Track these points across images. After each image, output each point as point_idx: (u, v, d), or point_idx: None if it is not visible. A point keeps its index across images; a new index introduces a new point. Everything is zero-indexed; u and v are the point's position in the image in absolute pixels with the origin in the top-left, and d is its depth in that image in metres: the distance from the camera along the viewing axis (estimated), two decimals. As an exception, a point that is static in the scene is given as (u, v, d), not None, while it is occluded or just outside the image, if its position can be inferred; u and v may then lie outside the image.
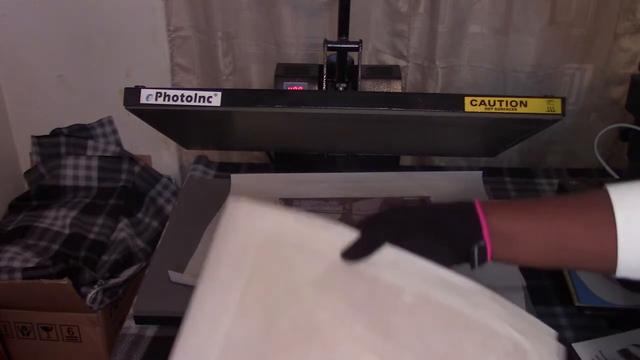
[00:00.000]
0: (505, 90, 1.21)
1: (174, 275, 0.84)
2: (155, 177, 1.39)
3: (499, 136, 0.94)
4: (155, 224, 1.34)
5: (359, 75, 1.03)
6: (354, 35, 1.03)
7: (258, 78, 1.26)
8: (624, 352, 0.78)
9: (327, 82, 1.04)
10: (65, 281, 1.10)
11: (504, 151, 1.03)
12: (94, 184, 1.35)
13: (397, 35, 1.19)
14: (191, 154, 1.31)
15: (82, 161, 1.34)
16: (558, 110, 0.77)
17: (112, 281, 1.15)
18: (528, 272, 0.89)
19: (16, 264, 1.12)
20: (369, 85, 1.05)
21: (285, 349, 0.50)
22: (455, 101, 0.77)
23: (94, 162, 1.34)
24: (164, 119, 0.87)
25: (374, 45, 1.21)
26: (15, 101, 1.36)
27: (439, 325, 0.52)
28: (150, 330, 0.82)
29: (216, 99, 0.78)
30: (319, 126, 0.91)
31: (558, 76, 1.20)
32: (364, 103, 0.78)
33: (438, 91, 1.21)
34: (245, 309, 0.51)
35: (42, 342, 1.21)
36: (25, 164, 1.42)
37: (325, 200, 1.03)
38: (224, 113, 0.80)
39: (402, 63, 1.21)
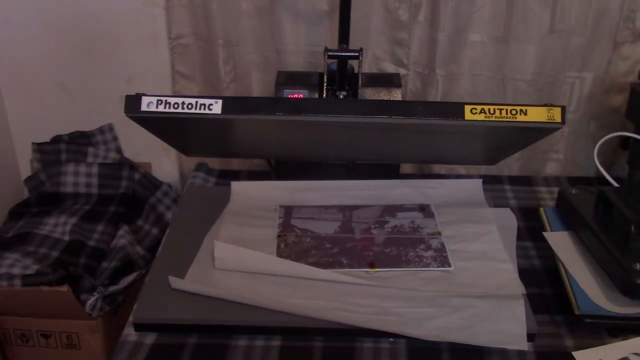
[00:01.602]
0: (505, 98, 1.21)
1: (174, 282, 0.84)
2: (156, 184, 1.39)
3: (499, 144, 0.94)
4: (155, 231, 1.33)
5: (359, 83, 1.03)
6: (354, 43, 1.03)
7: (259, 86, 1.26)
8: (624, 361, 0.78)
9: (327, 90, 1.04)
10: (64, 288, 1.09)
11: (503, 159, 1.03)
12: (94, 191, 1.35)
13: (397, 44, 1.20)
14: (191, 161, 1.31)
15: (83, 168, 1.34)
16: (558, 118, 0.78)
17: (112, 288, 1.15)
18: (528, 280, 0.90)
19: (16, 270, 1.12)
20: (369, 93, 1.05)
21: None
22: (455, 109, 0.77)
23: (94, 169, 1.34)
24: (164, 127, 0.87)
25: (374, 53, 1.21)
26: (16, 108, 1.36)
27: None
28: (150, 338, 0.82)
29: (217, 107, 0.78)
30: (319, 134, 0.91)
31: (558, 84, 1.20)
32: (364, 111, 0.78)
33: (438, 99, 1.22)
34: None
35: (41, 349, 1.21)
36: (25, 171, 1.42)
37: (325, 207, 1.03)
38: (225, 121, 0.80)
39: (402, 71, 1.21)
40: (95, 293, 1.12)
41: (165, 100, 0.78)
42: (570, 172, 1.28)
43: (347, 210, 1.02)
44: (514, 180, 1.21)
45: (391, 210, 1.02)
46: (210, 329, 0.82)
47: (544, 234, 0.96)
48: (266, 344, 0.81)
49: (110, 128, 1.37)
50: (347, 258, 0.91)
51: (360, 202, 1.04)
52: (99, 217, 1.28)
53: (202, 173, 1.23)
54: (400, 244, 0.94)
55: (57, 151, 1.37)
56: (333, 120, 0.78)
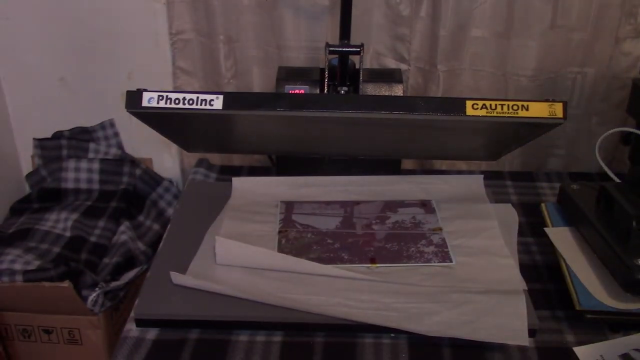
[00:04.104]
0: (507, 94, 1.21)
1: (175, 277, 0.84)
2: (157, 180, 1.39)
3: (500, 140, 0.94)
4: (156, 226, 1.34)
5: (361, 78, 1.03)
6: (355, 38, 1.03)
7: (259, 81, 1.26)
8: (625, 357, 0.78)
9: (328, 85, 1.04)
10: (66, 284, 1.10)
11: (505, 155, 1.03)
12: (96, 186, 1.35)
13: (398, 39, 1.20)
14: (192, 157, 1.31)
15: (84, 164, 1.34)
16: (559, 114, 0.77)
17: (113, 284, 1.15)
18: (529, 275, 0.90)
19: (17, 266, 1.12)
20: (370, 89, 1.05)
21: None
22: (456, 105, 0.77)
23: (96, 165, 1.34)
24: (165, 122, 0.87)
25: (375, 48, 1.21)
26: (17, 104, 1.36)
27: None
28: (151, 333, 0.82)
29: (218, 102, 0.78)
30: (321, 129, 0.91)
31: (559, 80, 1.20)
32: (366, 106, 0.78)
33: (439, 95, 1.22)
34: None
35: (42, 345, 1.21)
36: (26, 167, 1.42)
37: (327, 203, 1.03)
38: (226, 116, 0.80)
39: (403, 67, 1.21)
40: (97, 289, 1.13)
41: (166, 96, 0.78)
42: (571, 168, 1.28)
43: (349, 206, 1.02)
44: (515, 175, 1.21)
45: (392, 206, 1.02)
46: (212, 325, 0.82)
47: (545, 229, 0.96)
48: (267, 339, 0.81)
49: (112, 124, 1.37)
50: (348, 254, 0.91)
51: (361, 198, 1.04)
52: (100, 213, 1.28)
53: (203, 169, 1.23)
54: (401, 240, 0.94)
55: (58, 147, 1.37)
56: (334, 115, 0.78)
